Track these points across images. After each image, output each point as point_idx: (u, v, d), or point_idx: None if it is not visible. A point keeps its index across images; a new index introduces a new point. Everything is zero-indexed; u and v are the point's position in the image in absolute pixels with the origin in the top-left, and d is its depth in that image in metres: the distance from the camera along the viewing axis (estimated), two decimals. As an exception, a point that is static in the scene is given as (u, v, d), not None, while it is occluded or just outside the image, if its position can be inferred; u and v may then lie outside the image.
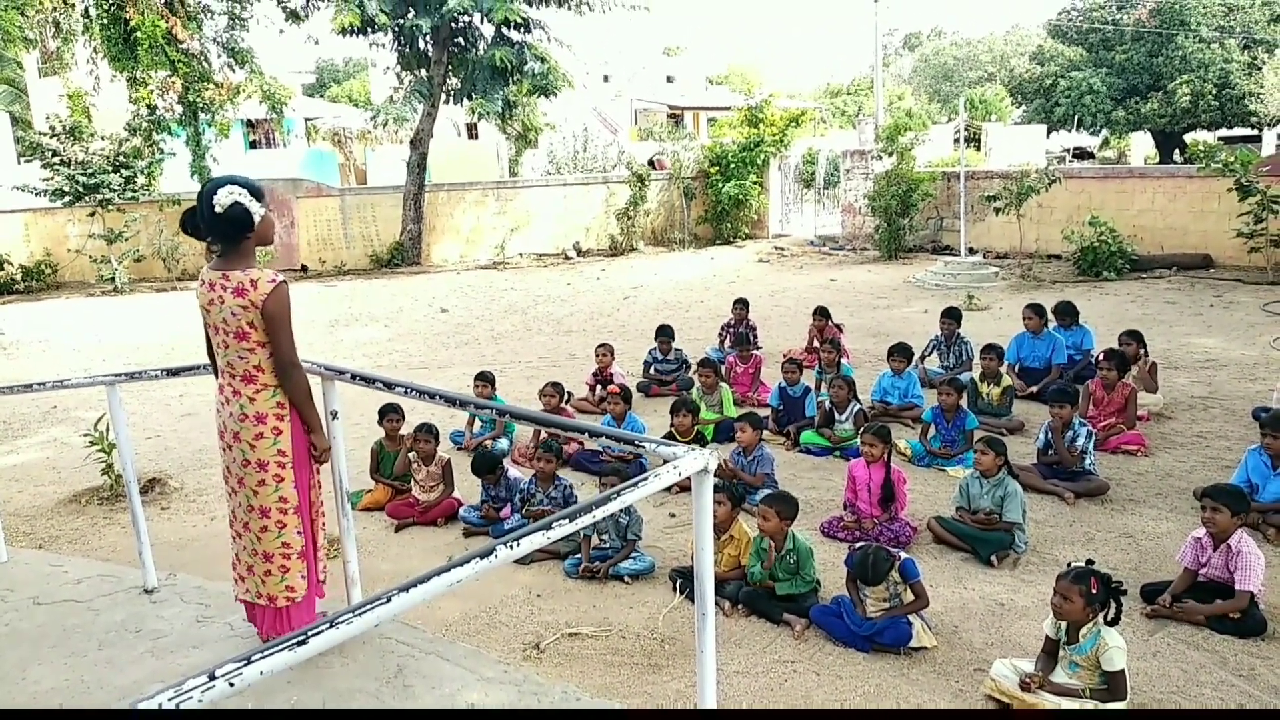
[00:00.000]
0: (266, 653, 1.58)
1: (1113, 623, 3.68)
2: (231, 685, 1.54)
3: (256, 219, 3.37)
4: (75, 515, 6.72)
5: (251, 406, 3.44)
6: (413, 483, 6.39)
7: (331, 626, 1.66)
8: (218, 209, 3.30)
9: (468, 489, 6.57)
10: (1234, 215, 13.42)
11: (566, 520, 2.07)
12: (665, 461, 2.43)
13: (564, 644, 4.60)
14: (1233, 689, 3.89)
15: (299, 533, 3.51)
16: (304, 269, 19.69)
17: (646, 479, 2.30)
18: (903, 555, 4.45)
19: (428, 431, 6.42)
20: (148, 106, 18.58)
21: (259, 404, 3.44)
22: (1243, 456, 5.77)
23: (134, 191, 18.71)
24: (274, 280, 3.35)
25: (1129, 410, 7.03)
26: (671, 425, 7.14)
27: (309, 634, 1.63)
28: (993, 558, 5.17)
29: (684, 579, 5.06)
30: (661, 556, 5.50)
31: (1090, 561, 3.83)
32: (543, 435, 7.12)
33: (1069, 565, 3.84)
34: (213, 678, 1.52)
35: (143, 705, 1.46)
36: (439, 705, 3.11)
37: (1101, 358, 7.37)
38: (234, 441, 3.46)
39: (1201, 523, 4.57)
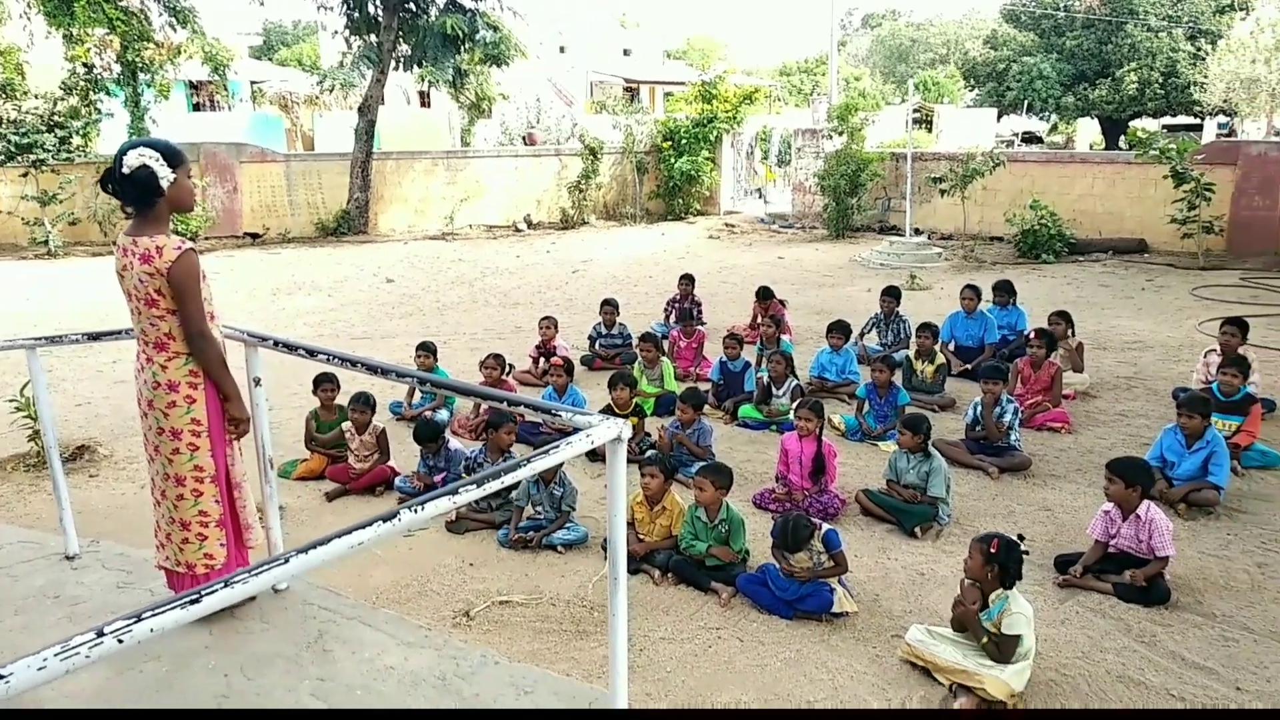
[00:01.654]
0: (157, 610, 1.59)
1: (1010, 585, 3.83)
2: (120, 642, 1.54)
3: (164, 184, 3.29)
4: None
5: (164, 374, 3.39)
6: (348, 453, 6.35)
7: (226, 585, 1.67)
8: (125, 170, 3.23)
9: (406, 459, 6.56)
10: (1169, 202, 13.79)
11: (474, 486, 2.10)
12: (582, 431, 2.47)
13: (494, 612, 4.64)
14: (1134, 654, 4.07)
15: (216, 501, 3.48)
16: (253, 236, 19.29)
17: (558, 446, 2.34)
18: (825, 526, 4.56)
19: (363, 402, 6.39)
20: (84, 65, 17.98)
21: (171, 372, 3.39)
22: (1159, 435, 6.00)
23: (69, 152, 18.10)
24: (179, 248, 3.28)
25: (1055, 389, 7.24)
26: (610, 398, 7.17)
27: (202, 593, 1.64)
28: (916, 529, 5.33)
29: (616, 549, 5.13)
30: (595, 527, 5.55)
31: (1021, 537, 3.97)
32: (483, 406, 7.13)
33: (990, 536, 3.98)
34: (101, 634, 1.53)
35: (27, 662, 1.46)
36: (359, 669, 3.13)
37: (1030, 337, 7.58)
38: (149, 409, 3.42)
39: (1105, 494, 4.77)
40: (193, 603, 1.63)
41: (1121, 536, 4.68)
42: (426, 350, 7.82)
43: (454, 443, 6.38)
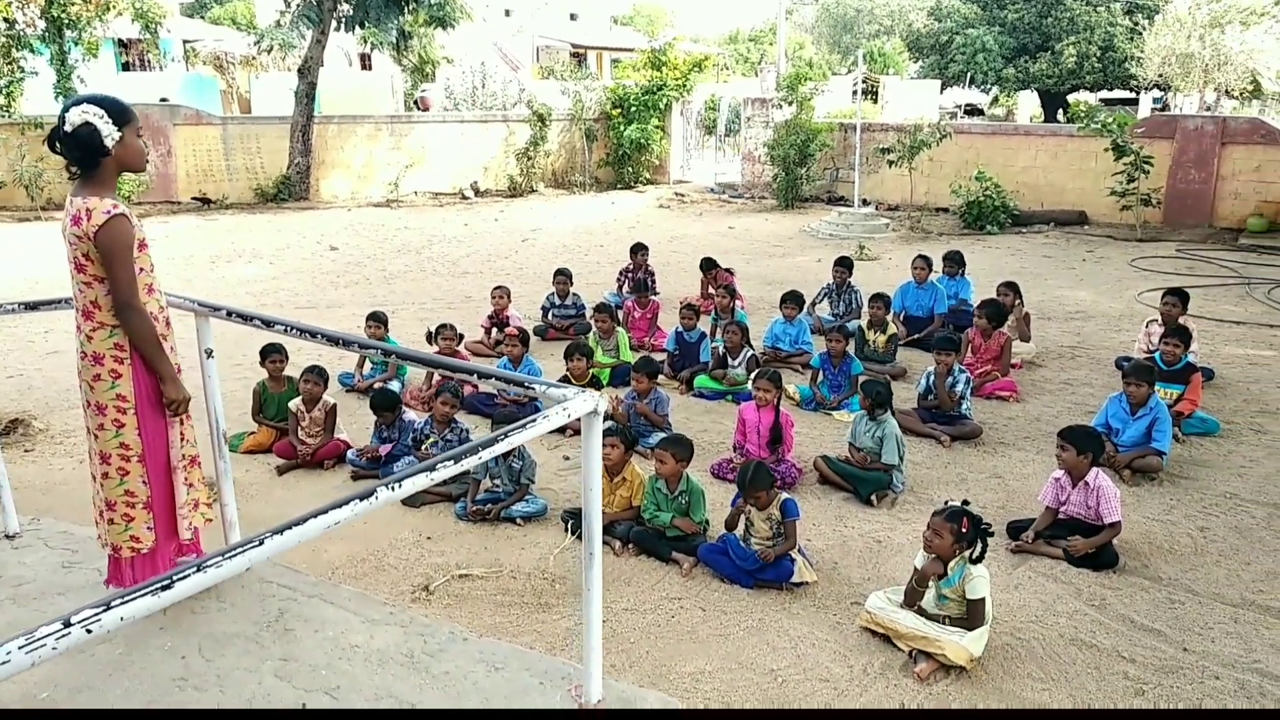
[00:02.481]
0: (128, 597, 1.52)
1: (977, 561, 3.89)
2: (89, 632, 1.47)
3: (108, 143, 3.11)
4: (-72, 458, 6.30)
5: (90, 345, 3.23)
6: (298, 432, 6.19)
7: (199, 570, 1.60)
8: (67, 127, 3.06)
9: (356, 431, 6.43)
10: (1109, 175, 14.09)
11: (452, 461, 2.05)
12: (556, 403, 2.42)
13: (454, 585, 4.59)
14: (1085, 618, 4.18)
15: (144, 482, 3.32)
16: (206, 201, 18.65)
17: (535, 420, 2.29)
18: (783, 495, 4.58)
19: (316, 374, 6.23)
20: (5, 20, 17.11)
21: (96, 343, 3.22)
22: (1104, 403, 6.15)
23: (-10, 112, 17.31)
24: (109, 212, 3.08)
25: (1004, 358, 7.37)
26: (566, 369, 7.13)
27: (174, 578, 1.57)
28: (872, 497, 5.39)
29: (575, 520, 5.10)
30: (554, 499, 5.52)
31: (966, 502, 4.03)
32: (435, 377, 7.02)
33: (945, 503, 4.03)
34: (68, 624, 1.45)
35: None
36: (323, 648, 3.06)
37: (978, 307, 7.69)
38: (79, 380, 3.28)
39: (1056, 461, 4.88)
40: (164, 589, 1.56)
41: (1071, 503, 4.79)
42: (377, 320, 7.67)
43: (409, 414, 6.28)
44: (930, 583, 3.98)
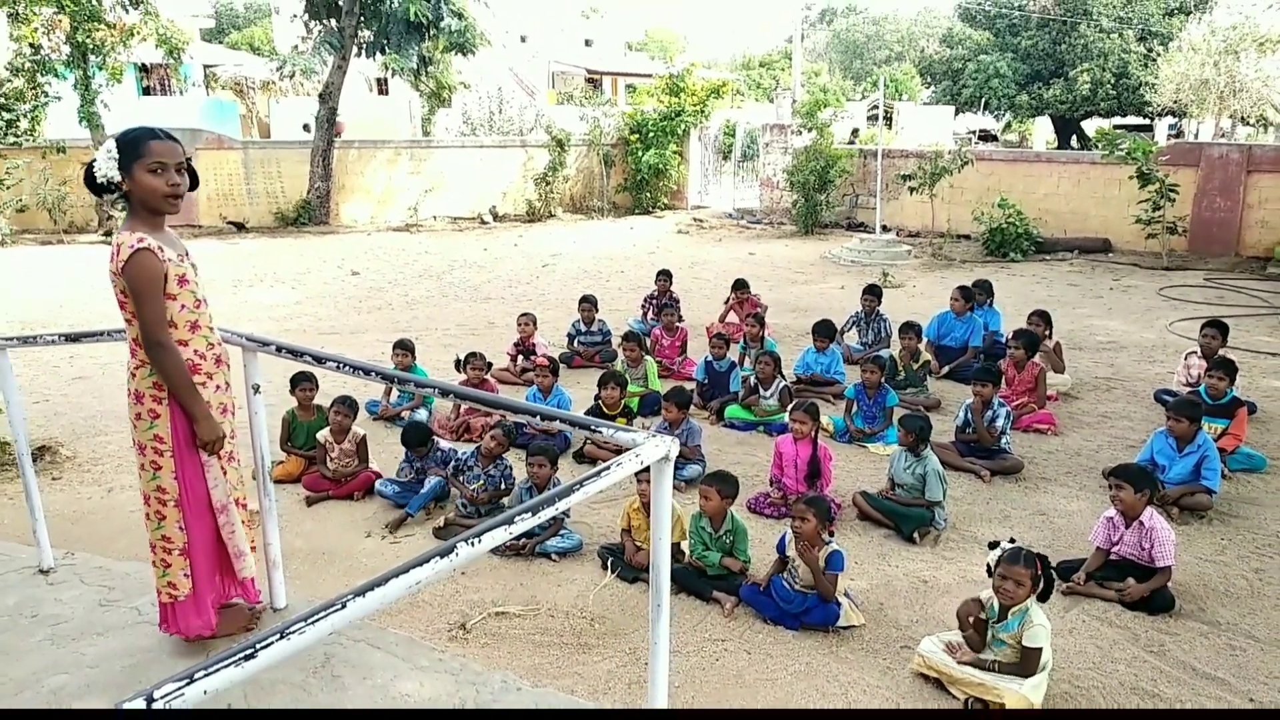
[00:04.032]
0: (211, 668, 1.43)
1: (1043, 598, 3.78)
2: (171, 709, 1.38)
3: (100, 181, 3.07)
4: (-46, 487, 6.24)
5: (132, 383, 3.17)
6: (328, 461, 6.10)
7: (282, 638, 1.51)
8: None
9: (385, 461, 6.35)
10: (1133, 202, 13.99)
11: (530, 514, 1.96)
12: (626, 447, 2.34)
13: (491, 623, 4.49)
14: (1145, 664, 4.05)
15: (180, 527, 3.22)
16: (240, 226, 18.73)
17: (609, 469, 2.21)
18: (833, 544, 4.46)
19: (346, 405, 6.16)
20: (31, 45, 17.24)
21: (137, 381, 3.16)
22: (1147, 438, 6.03)
23: (16, 136, 17.35)
24: (133, 246, 3.00)
25: (1039, 389, 7.25)
26: (597, 398, 7.04)
27: (257, 647, 1.49)
28: (915, 534, 5.27)
29: (613, 557, 5.01)
30: (589, 533, 5.43)
31: (1012, 540, 3.92)
32: (464, 406, 6.93)
33: (997, 545, 3.92)
34: (151, 701, 1.37)
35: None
36: (371, 696, 2.97)
37: (1011, 337, 7.59)
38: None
39: (1110, 501, 4.74)
40: (248, 658, 1.47)
41: (1125, 544, 4.66)
42: (404, 349, 7.60)
43: (442, 443, 6.20)
44: (989, 627, 3.86)
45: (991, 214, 15.22)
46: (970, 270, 13.67)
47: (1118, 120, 39.78)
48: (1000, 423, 6.27)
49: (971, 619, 3.89)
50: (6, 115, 17.16)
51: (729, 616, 4.52)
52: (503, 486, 5.68)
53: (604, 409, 6.90)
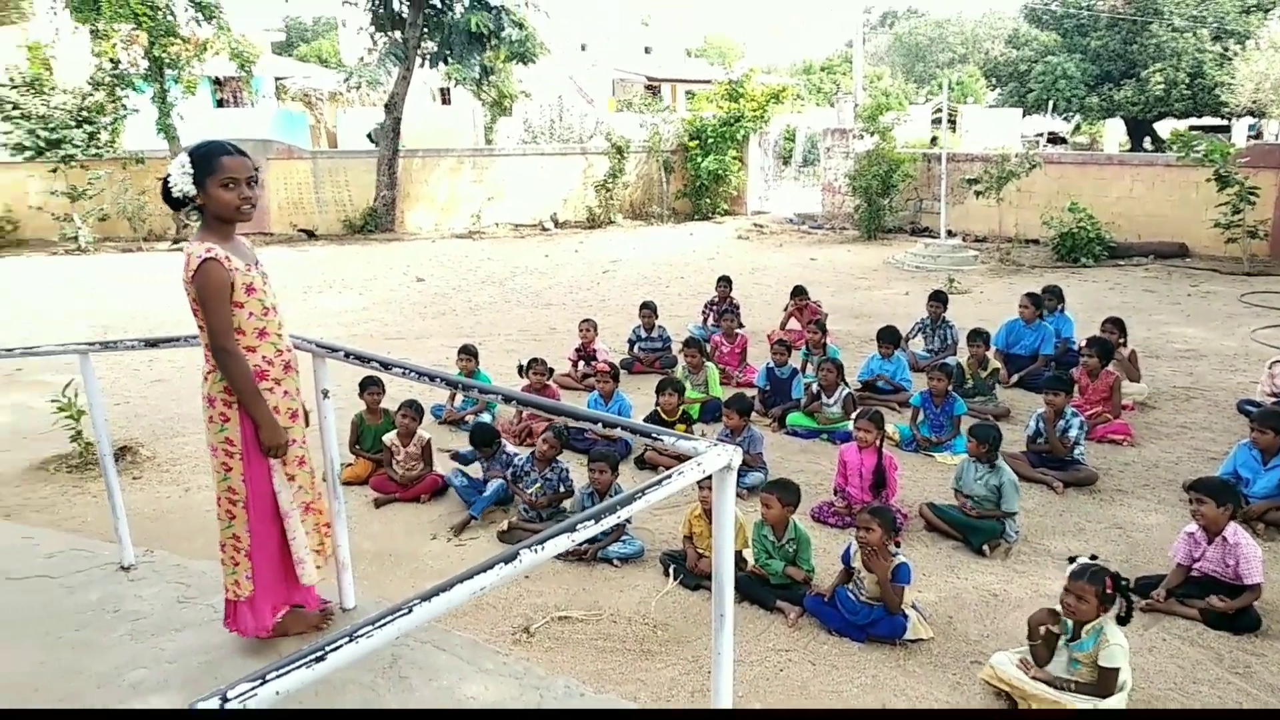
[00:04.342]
0: (283, 669, 1.45)
1: (1123, 621, 3.64)
2: (246, 707, 1.40)
3: (176, 194, 3.16)
4: (43, 484, 6.48)
5: (205, 386, 3.27)
6: (393, 464, 6.20)
7: (351, 640, 1.53)
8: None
9: (449, 464, 6.42)
10: (1211, 205, 13.51)
11: (592, 521, 1.96)
12: (687, 456, 2.31)
13: (554, 627, 4.50)
14: (1230, 686, 3.88)
15: (247, 529, 3.31)
16: (311, 234, 19.27)
17: (670, 477, 2.19)
18: (900, 557, 4.37)
19: (413, 409, 6.25)
20: (111, 60, 17.95)
21: (209, 385, 3.26)
22: (1229, 449, 5.79)
23: (98, 148, 18.10)
24: (202, 256, 3.11)
25: (1114, 399, 7.03)
26: (656, 404, 7.03)
27: (327, 649, 1.51)
28: (984, 546, 5.14)
29: (675, 564, 4.98)
30: (650, 539, 5.41)
31: (1094, 556, 3.79)
32: (525, 412, 6.97)
33: (1075, 560, 3.79)
34: (225, 699, 1.39)
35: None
36: (437, 698, 2.99)
37: (1084, 345, 7.37)
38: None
39: (1191, 516, 4.56)
40: (318, 660, 1.49)
41: (1206, 560, 4.48)
42: (468, 354, 7.70)
43: (508, 446, 6.25)
44: (1060, 644, 3.74)
45: (1061, 218, 14.84)
46: (1039, 276, 13.34)
47: (1193, 121, 38.53)
48: (1073, 433, 6.09)
49: (1042, 629, 3.77)
50: (89, 128, 17.94)
51: (793, 626, 4.46)
52: (561, 489, 5.70)
53: (662, 415, 6.88)
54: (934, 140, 24.72)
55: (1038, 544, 5.27)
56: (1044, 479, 6.02)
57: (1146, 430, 7.01)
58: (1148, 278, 13.31)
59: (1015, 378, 8.15)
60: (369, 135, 23.62)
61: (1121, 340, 7.88)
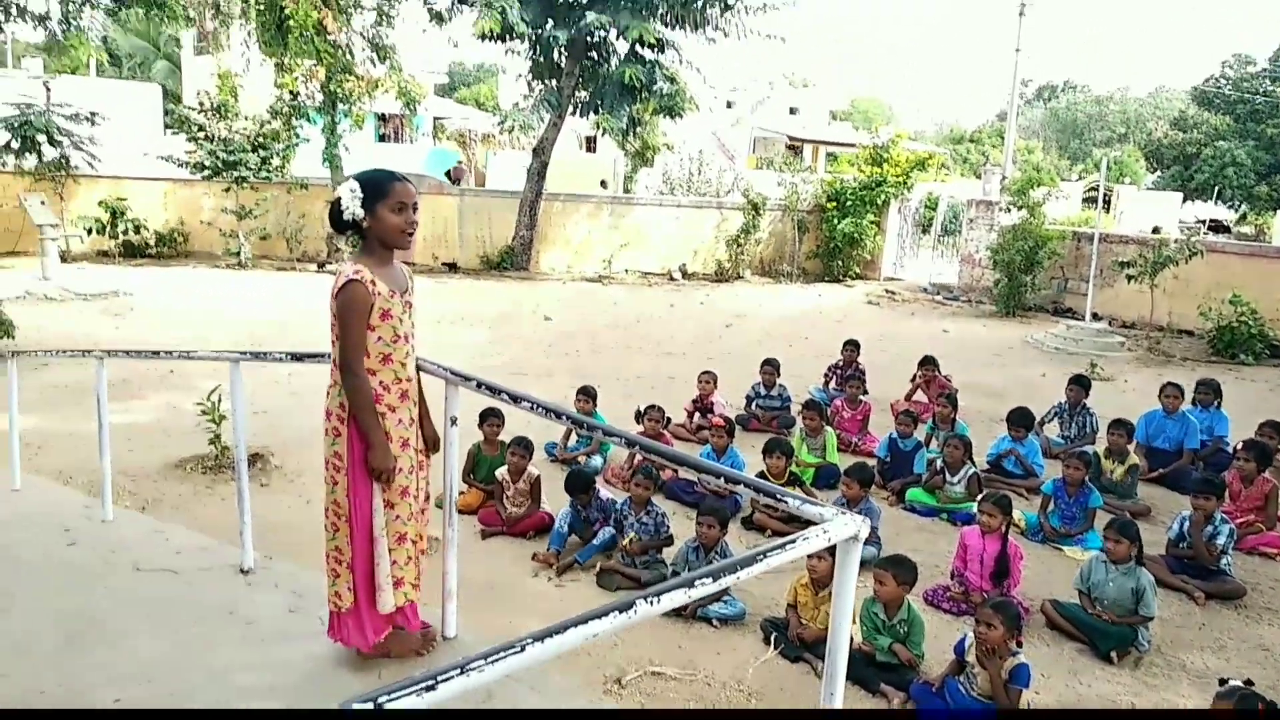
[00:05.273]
0: (395, 694, 1.47)
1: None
2: (354, 727, 1.42)
3: (347, 217, 3.30)
4: (179, 481, 6.88)
5: (326, 400, 3.40)
6: (503, 500, 6.30)
7: (463, 673, 1.54)
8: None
9: (557, 502, 6.47)
10: (1394, 310, 12.45)
11: (710, 579, 1.92)
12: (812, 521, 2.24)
13: (645, 682, 4.43)
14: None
15: (349, 542, 3.39)
16: (454, 266, 20.16)
17: (795, 542, 2.12)
18: (1020, 656, 4.11)
19: (523, 446, 6.35)
20: (290, 92, 19.30)
21: (329, 399, 3.39)
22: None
23: (269, 172, 19.44)
24: (349, 277, 3.25)
25: (1269, 508, 6.50)
26: (765, 465, 6.90)
27: (438, 679, 1.52)
28: (1112, 653, 4.80)
29: (777, 631, 4.84)
30: (752, 602, 5.28)
31: (1249, 682, 3.47)
32: (637, 459, 6.97)
33: (1227, 682, 3.49)
34: None
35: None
36: (527, 739, 2.97)
37: (1240, 448, 6.86)
38: None
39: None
40: (428, 689, 1.50)
41: (1372, 699, 4.04)
42: (587, 395, 7.79)
43: (604, 491, 6.26)
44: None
45: (1221, 310, 13.95)
46: (1192, 369, 12.54)
47: (1376, 219, 35.80)
48: (1222, 540, 5.64)
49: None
50: (263, 152, 19.29)
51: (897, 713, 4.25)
52: (658, 535, 5.66)
53: (768, 477, 6.75)
54: (1086, 220, 23.72)
55: (1171, 656, 4.88)
56: (1184, 587, 5.59)
57: (1306, 547, 6.42)
58: (1315, 382, 12.32)
59: (1157, 473, 7.65)
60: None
61: (1281, 446, 7.30)
